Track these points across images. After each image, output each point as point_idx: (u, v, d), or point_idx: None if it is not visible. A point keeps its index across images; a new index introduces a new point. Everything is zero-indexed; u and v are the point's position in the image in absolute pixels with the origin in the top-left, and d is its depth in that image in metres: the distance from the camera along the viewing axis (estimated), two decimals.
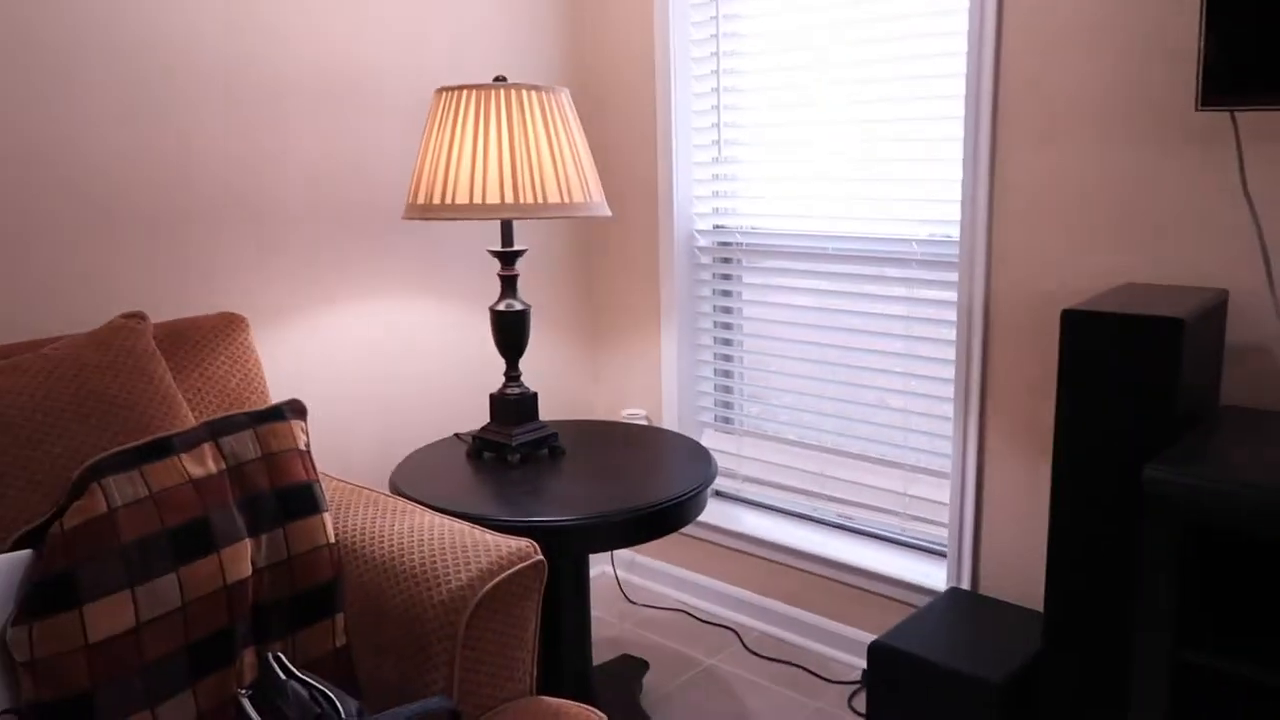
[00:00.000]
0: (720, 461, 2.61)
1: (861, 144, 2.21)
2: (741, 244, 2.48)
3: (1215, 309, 1.58)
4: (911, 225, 2.16)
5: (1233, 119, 1.66)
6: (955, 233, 2.09)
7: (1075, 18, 1.80)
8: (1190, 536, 1.35)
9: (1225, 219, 1.69)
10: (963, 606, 2.00)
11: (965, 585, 2.11)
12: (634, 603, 2.69)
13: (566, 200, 1.82)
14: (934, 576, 2.18)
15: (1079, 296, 1.88)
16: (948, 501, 2.16)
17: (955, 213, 2.08)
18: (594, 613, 2.64)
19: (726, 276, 2.54)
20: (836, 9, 2.19)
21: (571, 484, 1.84)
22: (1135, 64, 1.74)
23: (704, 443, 2.63)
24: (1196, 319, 1.46)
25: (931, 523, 2.23)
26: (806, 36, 2.26)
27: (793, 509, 2.52)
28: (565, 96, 1.89)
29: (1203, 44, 1.48)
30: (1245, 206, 1.67)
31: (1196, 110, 1.58)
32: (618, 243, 2.68)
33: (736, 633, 2.50)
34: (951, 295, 2.11)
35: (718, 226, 2.53)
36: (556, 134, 1.84)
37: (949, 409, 2.16)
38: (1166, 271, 1.77)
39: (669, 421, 2.64)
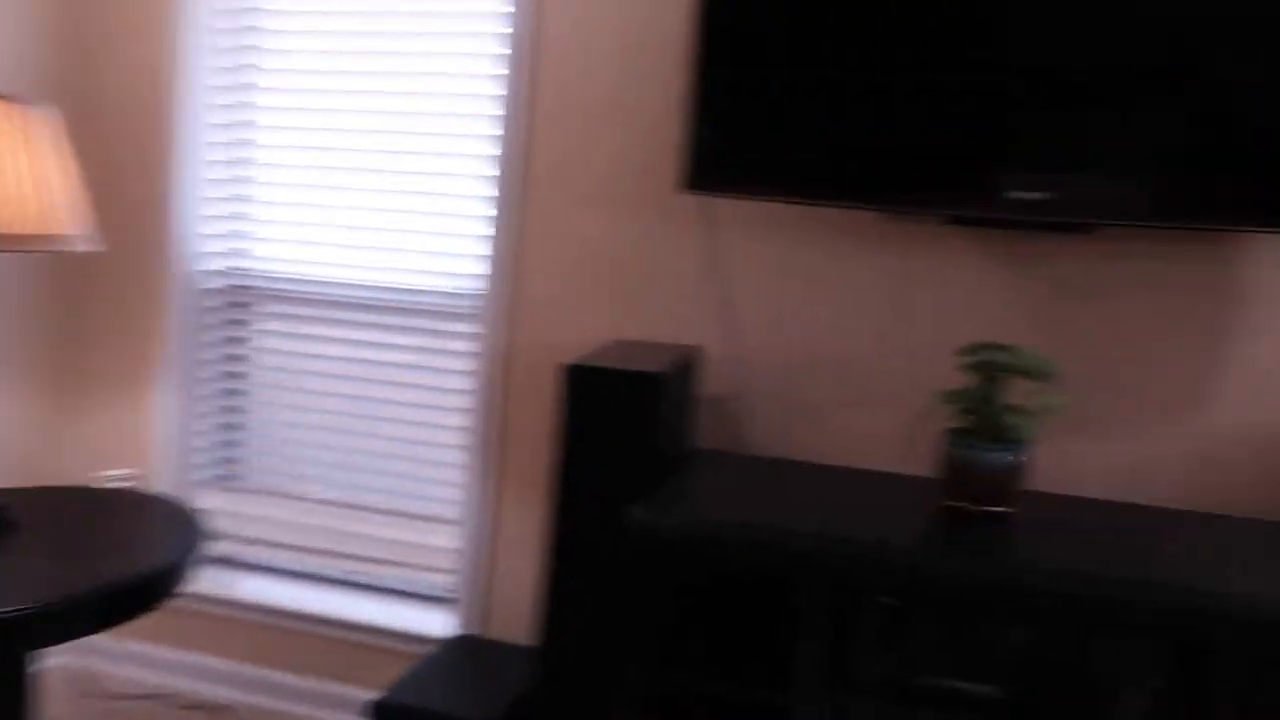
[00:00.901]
0: (222, 523, 2.37)
1: (388, 194, 2.20)
2: (258, 288, 2.31)
3: (690, 363, 1.79)
4: (436, 277, 2.18)
5: (711, 201, 1.92)
6: (478, 286, 2.15)
7: (595, 95, 1.99)
8: (666, 571, 1.49)
9: (703, 285, 1.95)
10: (470, 652, 2.01)
11: (476, 631, 2.13)
12: (103, 695, 2.31)
13: (29, 232, 1.54)
14: (446, 625, 2.17)
15: (584, 350, 2.03)
16: (459, 549, 2.18)
17: (479, 267, 2.14)
18: (49, 713, 2.22)
19: (239, 322, 2.34)
20: (368, 59, 2.18)
21: (23, 565, 1.53)
22: (639, 143, 1.97)
23: (203, 504, 2.37)
24: (674, 373, 1.65)
25: (444, 571, 2.22)
26: (335, 82, 2.21)
27: (300, 569, 2.36)
28: (45, 112, 1.62)
29: (686, 137, 1.70)
30: (718, 275, 1.93)
31: (679, 193, 1.81)
32: (105, 282, 2.34)
33: (232, 713, 2.26)
34: (471, 346, 2.16)
35: (232, 268, 2.33)
36: (28, 154, 1.56)
37: (464, 458, 2.18)
38: (655, 329, 1.99)
39: (162, 483, 2.34)
